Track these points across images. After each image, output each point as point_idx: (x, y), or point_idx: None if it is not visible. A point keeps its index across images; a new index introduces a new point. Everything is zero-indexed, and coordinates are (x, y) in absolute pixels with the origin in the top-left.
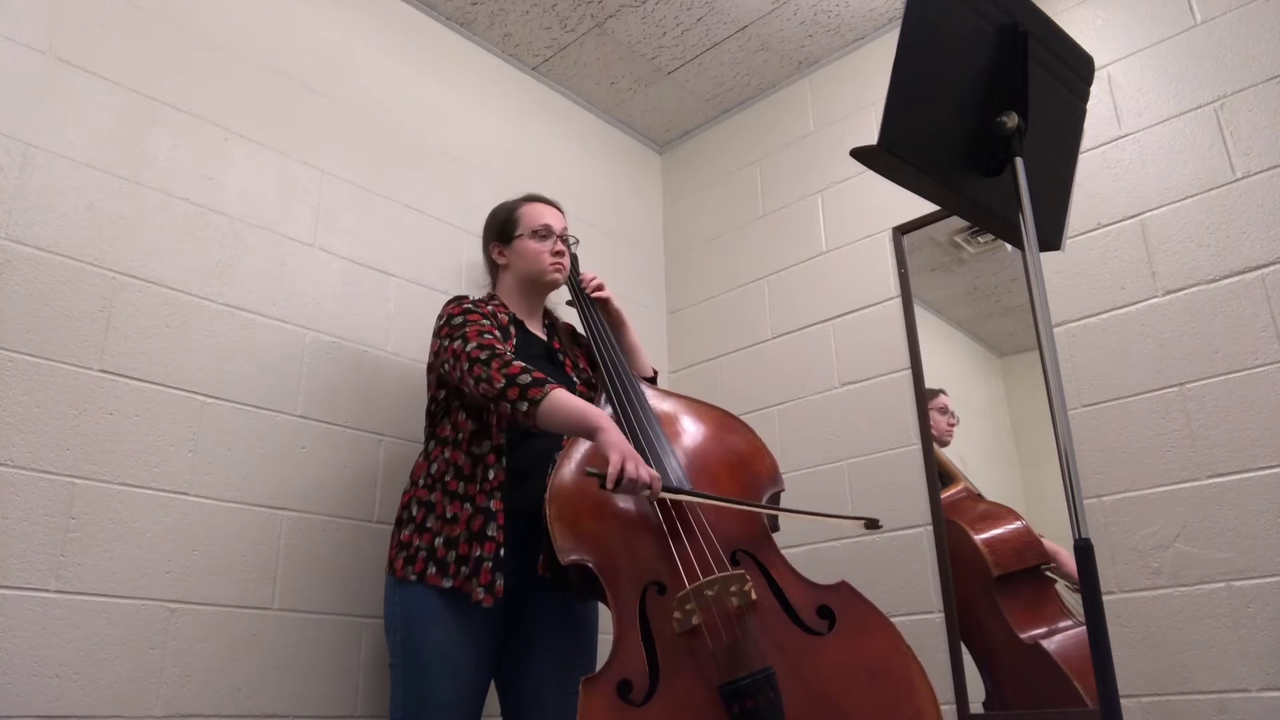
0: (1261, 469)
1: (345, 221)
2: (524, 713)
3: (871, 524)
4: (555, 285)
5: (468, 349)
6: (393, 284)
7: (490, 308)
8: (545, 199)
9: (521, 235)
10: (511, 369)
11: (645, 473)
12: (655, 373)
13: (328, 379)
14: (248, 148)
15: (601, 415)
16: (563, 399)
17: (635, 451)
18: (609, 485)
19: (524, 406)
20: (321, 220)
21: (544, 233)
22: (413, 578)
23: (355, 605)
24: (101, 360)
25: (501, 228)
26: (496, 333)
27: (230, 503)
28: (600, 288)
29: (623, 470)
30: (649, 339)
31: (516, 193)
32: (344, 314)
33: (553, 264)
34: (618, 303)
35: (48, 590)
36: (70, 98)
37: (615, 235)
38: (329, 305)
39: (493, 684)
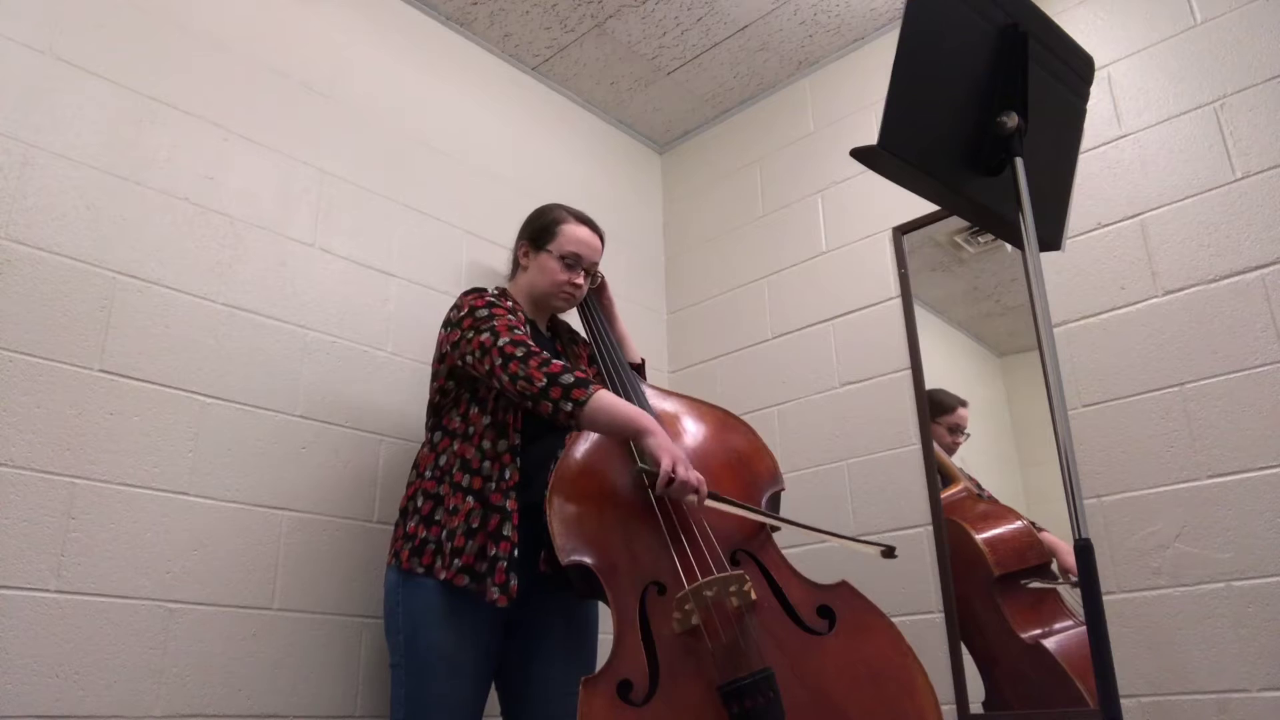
0: (1261, 469)
1: (345, 221)
2: (526, 712)
3: (888, 553)
4: (558, 310)
5: (499, 344)
6: (393, 284)
7: (510, 303)
8: (592, 224)
9: (550, 251)
10: (552, 367)
11: (694, 477)
12: (643, 360)
13: (328, 379)
14: (247, 148)
15: (649, 418)
16: (608, 401)
17: (684, 456)
18: (659, 487)
19: (568, 406)
20: (321, 220)
21: (570, 261)
22: (420, 570)
23: (355, 605)
24: (101, 360)
25: (538, 232)
26: (525, 328)
27: (230, 503)
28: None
29: (675, 473)
30: (649, 339)
31: (515, 192)
32: (344, 314)
33: (564, 293)
34: (610, 292)
35: (48, 590)
36: (70, 98)
37: (615, 235)
38: (329, 305)
39: (494, 683)
